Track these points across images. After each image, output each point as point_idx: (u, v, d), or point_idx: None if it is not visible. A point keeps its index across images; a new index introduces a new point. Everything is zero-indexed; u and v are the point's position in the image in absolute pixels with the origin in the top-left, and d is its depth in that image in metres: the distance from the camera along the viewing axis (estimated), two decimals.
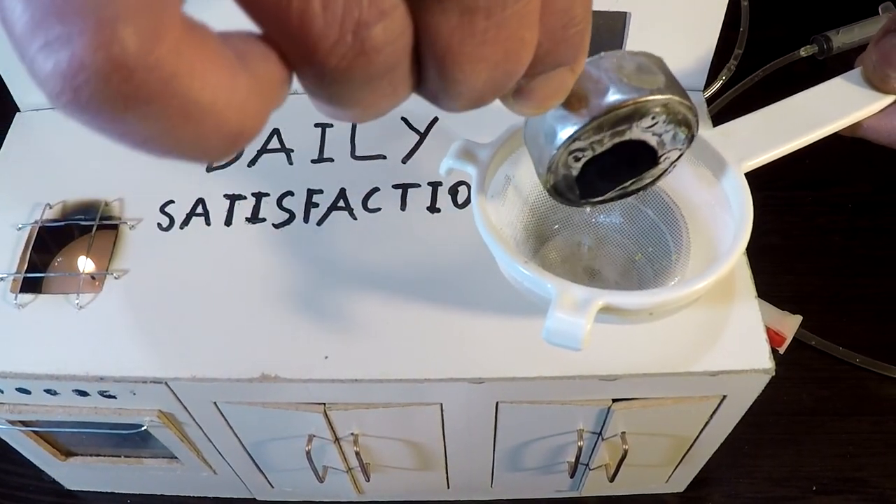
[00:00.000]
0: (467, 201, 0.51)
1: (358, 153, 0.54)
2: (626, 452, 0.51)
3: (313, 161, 0.54)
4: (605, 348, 0.43)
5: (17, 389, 0.47)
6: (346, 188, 0.52)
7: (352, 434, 0.51)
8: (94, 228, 0.51)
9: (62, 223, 0.51)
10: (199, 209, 0.52)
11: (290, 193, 0.52)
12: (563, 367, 0.44)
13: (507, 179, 0.42)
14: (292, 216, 0.51)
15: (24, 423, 0.52)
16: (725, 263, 0.36)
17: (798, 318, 0.67)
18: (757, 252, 0.45)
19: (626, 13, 0.52)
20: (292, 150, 0.55)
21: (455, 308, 0.46)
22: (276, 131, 0.56)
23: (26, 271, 0.49)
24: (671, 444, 0.54)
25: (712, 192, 0.41)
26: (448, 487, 0.62)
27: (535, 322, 0.45)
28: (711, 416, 0.49)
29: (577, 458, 0.53)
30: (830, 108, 0.41)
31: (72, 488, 0.66)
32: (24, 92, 0.57)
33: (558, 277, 0.35)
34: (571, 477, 0.57)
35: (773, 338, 0.66)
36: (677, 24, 0.53)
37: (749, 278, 0.47)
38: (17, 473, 0.66)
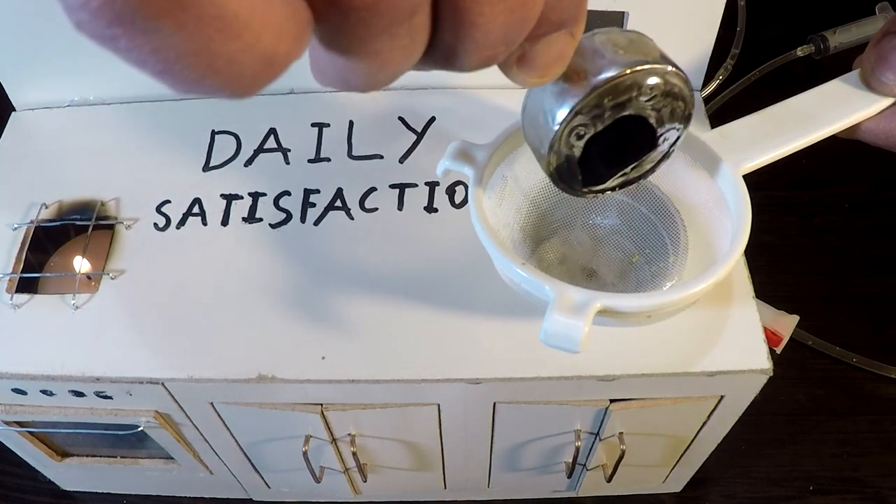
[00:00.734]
0: (464, 201, 0.51)
1: (355, 153, 0.54)
2: (623, 453, 0.51)
3: (310, 161, 0.54)
4: (602, 349, 0.43)
5: (12, 390, 0.47)
6: (343, 188, 0.52)
7: (349, 434, 0.51)
8: (91, 228, 0.51)
9: (58, 223, 0.51)
10: (196, 209, 0.52)
11: (287, 193, 0.52)
12: (560, 367, 0.43)
13: (503, 180, 0.42)
14: (289, 216, 0.51)
15: (20, 424, 0.52)
16: (724, 266, 0.36)
17: (795, 318, 0.67)
18: (754, 252, 0.45)
19: (623, 13, 0.52)
20: (289, 150, 0.55)
21: (452, 308, 0.46)
22: (272, 131, 0.56)
23: (22, 271, 0.49)
24: (668, 445, 0.54)
25: (710, 194, 0.41)
26: (445, 488, 0.62)
27: (533, 322, 0.45)
28: (709, 417, 0.49)
29: (575, 458, 0.53)
30: (828, 111, 0.41)
31: (68, 489, 0.66)
32: (19, 91, 0.57)
33: (556, 279, 0.35)
34: (569, 477, 0.56)
35: (770, 338, 0.66)
36: (675, 23, 0.53)
37: (747, 278, 0.47)
38: (14, 474, 0.66)
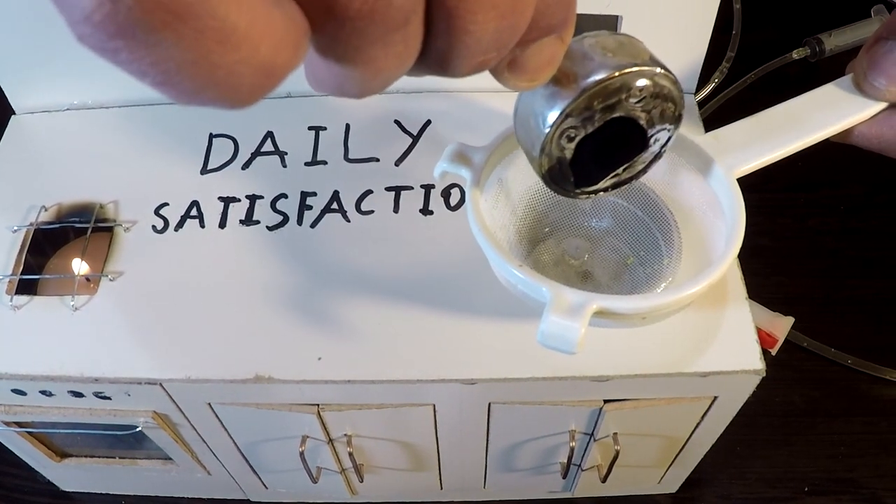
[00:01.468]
0: (459, 203, 0.52)
1: (351, 156, 0.55)
2: (617, 453, 0.51)
3: (307, 164, 0.54)
4: (596, 349, 0.43)
5: (12, 391, 0.47)
6: (339, 190, 0.53)
7: (345, 435, 0.51)
8: (90, 231, 0.51)
9: (57, 225, 0.52)
10: (194, 211, 0.52)
11: (284, 196, 0.53)
12: (555, 368, 0.44)
13: (499, 182, 0.42)
14: (286, 218, 0.51)
15: (19, 425, 0.52)
16: (718, 268, 0.36)
17: (790, 320, 0.68)
18: (749, 254, 0.46)
19: (617, 16, 0.52)
20: (286, 153, 0.55)
21: (448, 309, 0.46)
22: (269, 134, 0.56)
23: (21, 273, 0.49)
24: (663, 445, 0.54)
25: (705, 197, 0.41)
26: (441, 488, 0.62)
27: (528, 323, 0.46)
28: (703, 417, 0.50)
29: (570, 458, 0.53)
30: (821, 115, 0.41)
31: (67, 489, 0.66)
32: (19, 95, 0.58)
33: (553, 281, 0.35)
34: (564, 478, 0.57)
35: (765, 339, 0.66)
36: (668, 27, 0.53)
37: (740, 280, 0.47)
38: (12, 475, 0.66)
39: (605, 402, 0.47)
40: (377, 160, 0.54)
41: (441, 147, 0.41)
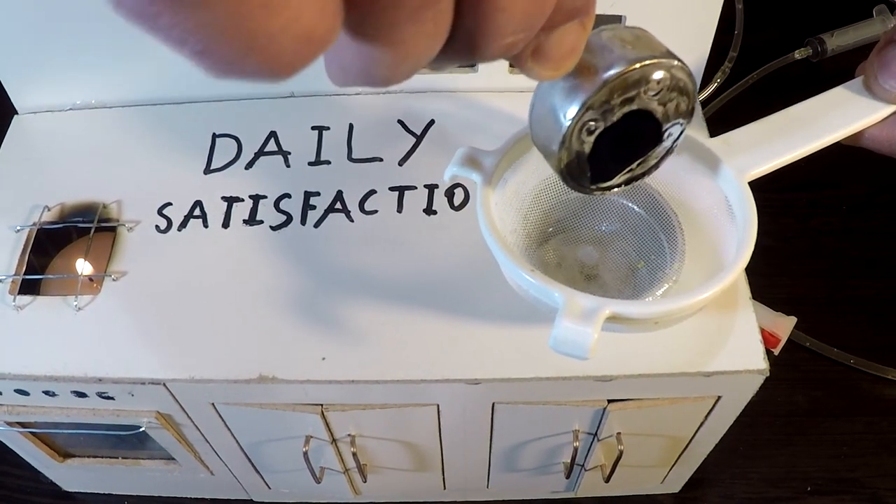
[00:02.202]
0: (463, 203, 0.52)
1: (355, 156, 0.55)
2: (621, 453, 0.51)
3: (310, 163, 0.54)
4: (600, 350, 0.43)
5: (15, 391, 0.47)
6: (342, 190, 0.53)
7: (349, 435, 0.51)
8: (93, 230, 0.51)
9: (60, 225, 0.52)
10: (197, 211, 0.52)
11: (288, 196, 0.53)
12: (558, 368, 0.44)
13: (507, 185, 0.42)
14: (289, 218, 0.51)
15: (22, 425, 0.52)
16: (732, 273, 0.36)
17: (792, 320, 0.68)
18: (752, 254, 0.46)
19: (620, 16, 0.52)
20: (289, 153, 0.55)
21: (452, 309, 0.46)
22: (273, 134, 0.56)
23: (24, 273, 0.49)
24: (666, 445, 0.54)
25: (715, 200, 0.41)
26: (444, 488, 0.62)
27: (531, 323, 0.46)
28: (706, 417, 0.50)
29: (573, 458, 0.53)
30: (832, 118, 0.41)
31: (70, 490, 0.66)
32: (22, 94, 0.58)
33: (565, 286, 0.35)
34: (567, 477, 0.57)
35: (768, 339, 0.66)
36: (672, 27, 0.53)
37: (744, 280, 0.47)
38: (15, 475, 0.66)
39: (609, 402, 0.47)
40: (381, 160, 0.54)
41: (445, 147, 0.41)
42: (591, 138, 0.30)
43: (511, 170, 0.42)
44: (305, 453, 0.51)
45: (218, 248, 0.50)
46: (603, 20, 0.53)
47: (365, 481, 0.57)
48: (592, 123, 0.30)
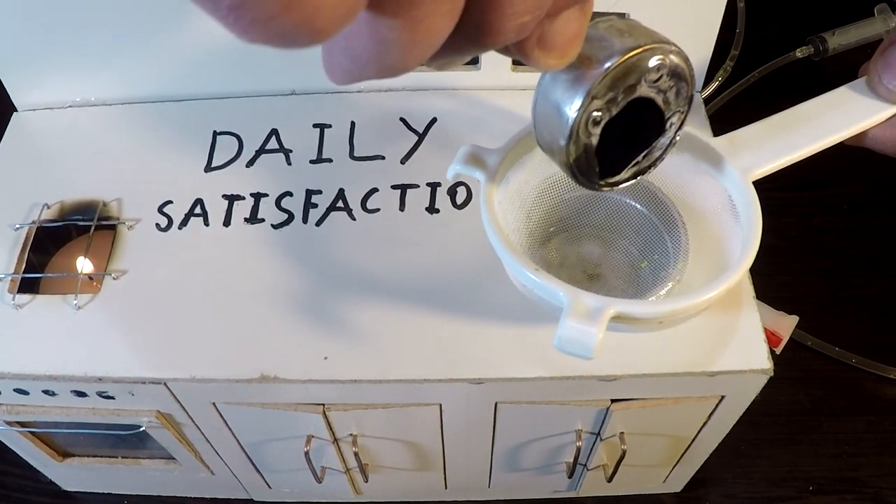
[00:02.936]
0: (466, 202, 0.51)
1: (356, 154, 0.54)
2: (624, 453, 0.51)
3: (312, 161, 0.54)
4: (604, 349, 0.43)
5: (14, 390, 0.47)
6: (344, 189, 0.52)
7: (350, 435, 0.51)
8: (93, 229, 0.51)
9: (60, 223, 0.51)
10: (198, 209, 0.52)
11: (289, 194, 0.52)
12: (561, 367, 0.44)
13: (510, 183, 0.42)
14: (291, 216, 0.51)
15: (21, 424, 0.52)
16: (737, 272, 0.36)
17: (794, 319, 0.68)
18: None
19: (623, 14, 0.52)
20: (291, 151, 0.55)
21: (454, 308, 0.46)
22: (274, 131, 0.56)
23: (24, 272, 0.49)
24: (669, 445, 0.54)
25: (719, 199, 0.41)
26: (446, 488, 0.62)
27: (535, 322, 0.45)
28: (709, 417, 0.49)
29: (576, 458, 0.53)
30: (835, 118, 0.41)
31: (69, 489, 0.66)
32: (21, 92, 0.57)
33: (570, 286, 0.35)
34: (569, 477, 0.57)
35: (770, 338, 0.66)
36: (675, 25, 0.53)
37: (748, 280, 0.47)
38: (15, 474, 0.66)
39: (613, 401, 0.47)
40: (383, 158, 0.54)
41: (447, 145, 0.41)
42: (598, 130, 0.30)
43: (514, 168, 0.42)
44: (307, 453, 0.51)
45: (219, 247, 0.50)
46: None
47: (366, 481, 0.57)
48: (598, 114, 0.30)
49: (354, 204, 0.52)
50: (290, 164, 0.54)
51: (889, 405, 0.67)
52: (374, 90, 0.58)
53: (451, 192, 0.52)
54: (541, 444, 0.53)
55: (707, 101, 0.82)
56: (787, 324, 0.67)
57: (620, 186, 0.34)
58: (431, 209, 0.51)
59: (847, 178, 0.80)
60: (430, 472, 0.58)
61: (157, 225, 0.51)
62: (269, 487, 0.62)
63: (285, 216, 0.51)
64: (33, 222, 0.51)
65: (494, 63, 0.55)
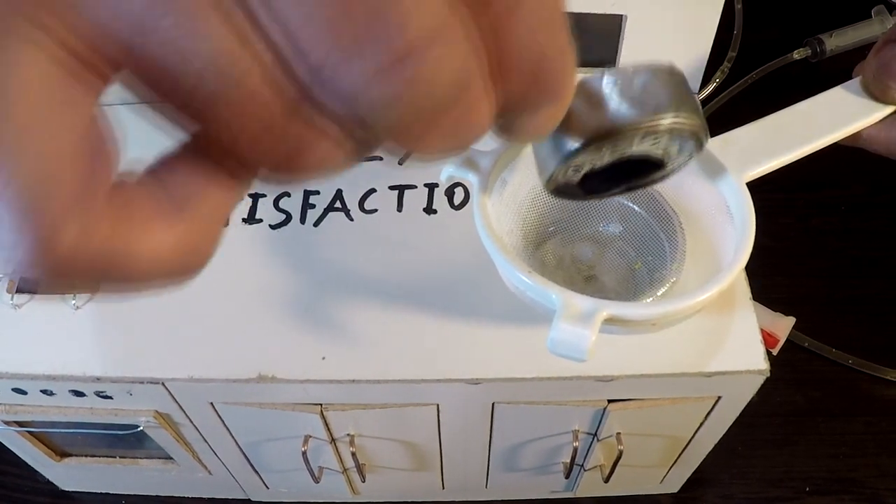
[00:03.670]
0: (463, 202, 0.51)
1: None
2: (620, 453, 0.51)
3: None
4: (600, 350, 0.43)
5: (13, 390, 0.47)
6: (342, 189, 0.52)
7: (348, 435, 0.51)
8: None
9: None
10: None
11: (287, 194, 0.52)
12: (559, 368, 0.44)
13: (505, 184, 0.42)
14: (289, 217, 0.51)
15: (19, 424, 0.52)
16: (729, 274, 0.35)
17: (791, 320, 0.68)
18: (751, 254, 0.46)
19: (621, 16, 0.52)
20: None
21: (452, 309, 0.46)
22: None
23: None
24: (666, 445, 0.54)
25: (713, 200, 0.41)
26: (443, 488, 0.62)
27: (532, 323, 0.45)
28: (706, 417, 0.50)
29: (573, 458, 0.53)
30: (830, 118, 0.41)
31: (67, 489, 0.66)
32: None
33: (563, 288, 0.35)
34: (566, 477, 0.57)
35: (767, 339, 0.66)
36: (673, 26, 0.53)
37: (744, 281, 0.47)
38: (12, 474, 0.66)
39: (609, 402, 0.47)
40: (380, 158, 0.54)
41: None
42: (580, 174, 0.29)
43: (508, 170, 0.42)
44: (304, 453, 0.51)
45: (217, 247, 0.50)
46: (603, 19, 0.53)
47: (364, 481, 0.57)
48: (580, 167, 0.28)
49: (352, 204, 0.52)
50: None
51: (886, 406, 0.67)
52: None
53: (449, 193, 0.52)
54: (538, 444, 0.53)
55: (704, 102, 0.82)
56: (784, 325, 0.67)
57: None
58: (429, 210, 0.51)
59: (844, 179, 0.80)
60: (427, 472, 0.58)
61: None
62: (267, 487, 0.62)
63: (283, 216, 0.51)
64: None
65: None
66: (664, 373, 0.44)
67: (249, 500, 0.66)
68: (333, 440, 0.52)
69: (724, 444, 0.54)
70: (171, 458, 0.57)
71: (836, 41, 0.84)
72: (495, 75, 0.17)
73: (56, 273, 0.16)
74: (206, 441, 0.53)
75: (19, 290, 0.48)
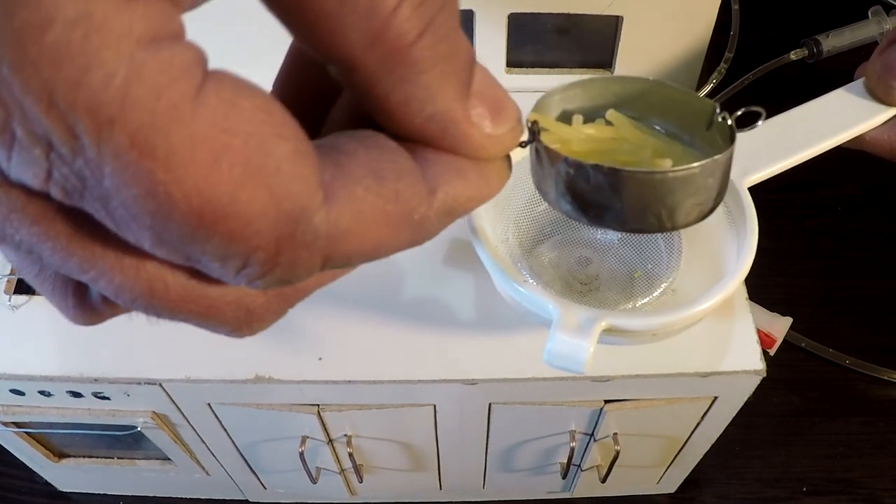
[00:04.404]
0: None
1: None
2: (617, 453, 0.51)
3: None
4: (597, 350, 0.43)
5: (10, 391, 0.47)
6: None
7: (345, 435, 0.51)
8: None
9: None
10: None
11: None
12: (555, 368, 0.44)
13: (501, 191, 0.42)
14: None
15: (17, 425, 0.52)
16: (733, 280, 0.35)
17: (788, 320, 0.68)
18: None
19: (618, 17, 0.52)
20: None
21: (448, 309, 0.46)
22: None
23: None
24: (662, 445, 0.54)
25: None
26: (440, 488, 0.62)
27: (529, 323, 0.45)
28: (703, 418, 0.50)
29: (570, 459, 0.53)
30: (833, 121, 0.41)
31: (65, 490, 0.66)
32: None
33: (559, 297, 0.34)
34: (563, 478, 0.57)
35: (764, 340, 0.66)
36: (670, 27, 0.53)
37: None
38: (10, 475, 0.66)
39: (606, 402, 0.47)
40: None
41: None
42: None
43: None
44: (301, 454, 0.51)
45: None
46: (601, 20, 0.53)
47: (361, 482, 0.57)
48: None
49: None
50: None
51: (883, 406, 0.67)
52: None
53: None
54: (535, 444, 0.53)
55: None
56: (780, 325, 0.67)
57: None
58: None
59: (840, 179, 0.80)
60: (424, 472, 0.58)
61: None
62: (264, 488, 0.62)
63: None
64: None
65: (487, 64, 0.55)
66: (661, 373, 0.44)
67: (247, 500, 0.66)
68: (330, 441, 0.52)
69: (721, 445, 0.54)
70: (168, 459, 0.57)
71: (833, 42, 0.84)
72: None
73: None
74: (203, 442, 0.53)
75: (17, 291, 0.48)
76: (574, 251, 0.46)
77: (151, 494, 0.66)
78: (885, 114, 0.40)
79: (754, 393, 0.46)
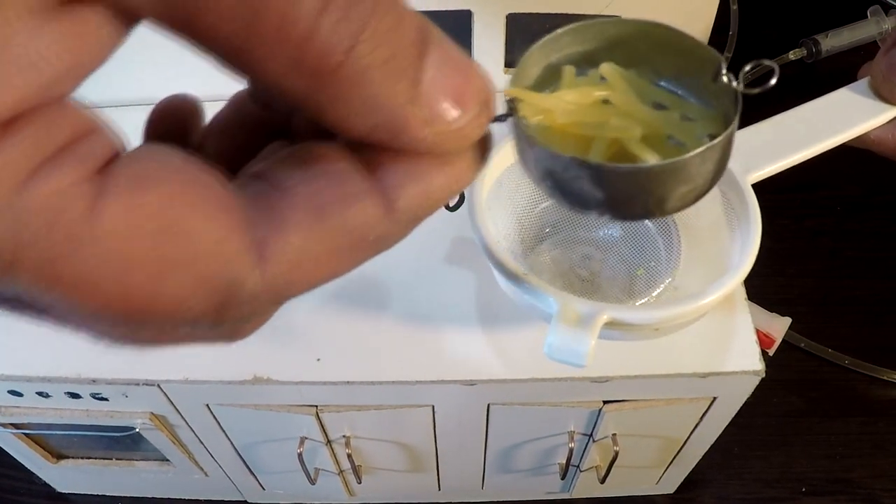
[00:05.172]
0: (458, 204, 0.51)
1: None
2: (616, 454, 0.51)
3: None
4: (596, 350, 0.43)
5: (9, 392, 0.47)
6: None
7: (343, 436, 0.51)
8: None
9: None
10: None
11: None
12: (554, 369, 0.43)
13: (501, 187, 0.42)
14: None
15: (15, 426, 0.52)
16: (736, 277, 0.35)
17: (787, 321, 0.68)
18: None
19: (616, 17, 0.52)
20: None
21: (447, 310, 0.46)
22: None
23: None
24: (661, 446, 0.54)
25: (717, 201, 0.41)
26: (439, 489, 0.62)
27: (528, 324, 0.45)
28: (702, 418, 0.50)
29: (568, 459, 0.53)
30: (837, 119, 0.41)
31: (63, 491, 0.66)
32: None
33: (560, 291, 0.34)
34: (562, 479, 0.57)
35: (763, 340, 0.66)
36: None
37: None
38: (9, 476, 0.66)
39: (605, 402, 0.47)
40: None
41: None
42: None
43: (506, 172, 0.42)
44: (300, 454, 0.51)
45: None
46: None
47: (359, 482, 0.57)
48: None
49: None
50: None
51: (882, 406, 0.67)
52: None
53: None
54: (533, 445, 0.53)
55: None
56: (779, 325, 0.67)
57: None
58: None
59: (840, 180, 0.80)
60: (423, 473, 0.58)
61: None
62: (263, 489, 0.62)
63: None
64: None
65: (486, 63, 0.55)
66: (660, 374, 0.44)
67: (245, 501, 0.66)
68: (329, 442, 0.52)
69: (721, 445, 0.54)
70: (167, 460, 0.57)
71: (832, 42, 0.84)
72: None
73: None
74: (201, 443, 0.53)
75: None
76: (575, 249, 0.46)
77: (150, 495, 0.66)
78: (890, 113, 0.41)
79: (753, 393, 0.46)
